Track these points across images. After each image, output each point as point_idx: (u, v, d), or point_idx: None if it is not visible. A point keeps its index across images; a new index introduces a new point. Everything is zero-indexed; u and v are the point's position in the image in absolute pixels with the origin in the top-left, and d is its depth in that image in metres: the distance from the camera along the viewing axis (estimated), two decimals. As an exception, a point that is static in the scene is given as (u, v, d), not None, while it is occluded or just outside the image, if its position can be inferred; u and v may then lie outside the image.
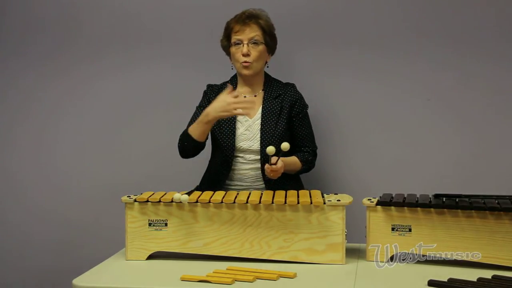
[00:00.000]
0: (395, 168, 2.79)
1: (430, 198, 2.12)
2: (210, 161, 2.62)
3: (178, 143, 2.50)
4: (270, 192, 2.20)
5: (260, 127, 2.48)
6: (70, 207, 3.04)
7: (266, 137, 2.47)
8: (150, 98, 2.97)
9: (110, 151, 3.01)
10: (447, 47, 2.73)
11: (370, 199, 2.10)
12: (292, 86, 2.58)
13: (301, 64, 2.84)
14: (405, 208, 2.05)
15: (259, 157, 2.48)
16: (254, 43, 2.46)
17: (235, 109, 2.27)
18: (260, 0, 2.61)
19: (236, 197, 2.14)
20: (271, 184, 2.42)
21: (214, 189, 2.28)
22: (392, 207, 2.06)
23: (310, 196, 2.14)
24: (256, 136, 2.48)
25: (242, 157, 2.49)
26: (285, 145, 2.18)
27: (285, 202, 2.09)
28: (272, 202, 2.10)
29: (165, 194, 2.17)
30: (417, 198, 2.12)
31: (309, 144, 2.58)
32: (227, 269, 1.98)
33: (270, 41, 2.51)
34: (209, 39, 2.79)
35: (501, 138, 2.71)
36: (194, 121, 2.48)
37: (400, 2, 2.76)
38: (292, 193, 2.19)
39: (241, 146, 2.48)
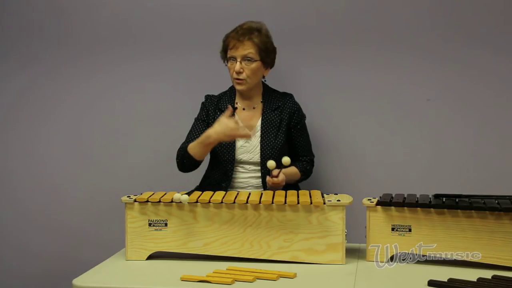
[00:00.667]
0: (395, 168, 2.78)
1: (430, 198, 2.12)
2: (208, 170, 2.62)
3: (177, 158, 2.51)
4: (270, 192, 2.20)
5: (260, 139, 2.49)
6: (69, 207, 3.04)
7: (267, 149, 2.47)
8: (149, 97, 2.97)
9: (110, 151, 3.01)
10: (447, 48, 2.72)
11: (370, 199, 2.10)
12: (290, 96, 2.58)
13: (296, 68, 2.83)
14: (405, 208, 2.05)
15: (259, 167, 2.48)
16: (248, 60, 2.44)
17: (235, 135, 2.31)
18: (258, 7, 2.60)
19: (236, 197, 2.14)
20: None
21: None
22: (392, 207, 2.06)
23: (310, 196, 2.14)
24: (256, 148, 2.49)
25: (242, 167, 2.50)
26: (286, 159, 2.24)
27: (285, 202, 2.09)
28: (272, 202, 2.10)
29: (165, 194, 2.17)
30: (417, 198, 2.12)
31: (307, 153, 2.60)
32: (227, 269, 1.98)
33: (266, 56, 2.48)
34: (209, 44, 2.80)
35: (501, 138, 2.71)
36: (193, 134, 2.50)
37: (398, 5, 2.76)
38: (292, 193, 2.19)
39: (241, 158, 2.49)
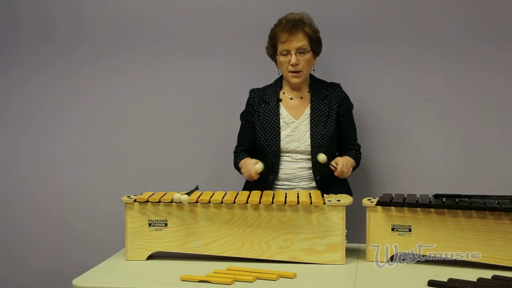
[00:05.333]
0: (395, 168, 2.78)
1: (430, 198, 2.12)
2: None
3: (234, 161, 2.59)
4: (270, 192, 2.20)
5: (309, 128, 2.47)
6: (70, 207, 3.04)
7: (317, 138, 2.46)
8: (151, 99, 2.96)
9: (110, 151, 3.01)
10: (449, 48, 2.72)
11: (370, 199, 2.10)
12: (338, 86, 2.57)
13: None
14: (405, 208, 2.05)
15: (306, 157, 2.47)
16: (301, 52, 2.42)
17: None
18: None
19: (236, 197, 2.14)
20: (321, 185, 2.42)
21: (261, 189, 2.27)
22: (392, 207, 2.06)
23: (310, 196, 2.14)
24: (302, 137, 2.47)
25: (289, 156, 2.48)
26: (322, 157, 2.33)
27: (285, 202, 2.09)
28: (272, 202, 2.10)
29: (165, 194, 2.17)
30: (417, 198, 2.12)
31: (354, 141, 2.60)
32: (227, 269, 1.99)
33: (316, 46, 2.48)
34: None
35: (501, 138, 2.71)
36: (242, 137, 2.57)
37: (402, 7, 2.75)
38: (292, 193, 2.19)
39: (288, 148, 2.47)
